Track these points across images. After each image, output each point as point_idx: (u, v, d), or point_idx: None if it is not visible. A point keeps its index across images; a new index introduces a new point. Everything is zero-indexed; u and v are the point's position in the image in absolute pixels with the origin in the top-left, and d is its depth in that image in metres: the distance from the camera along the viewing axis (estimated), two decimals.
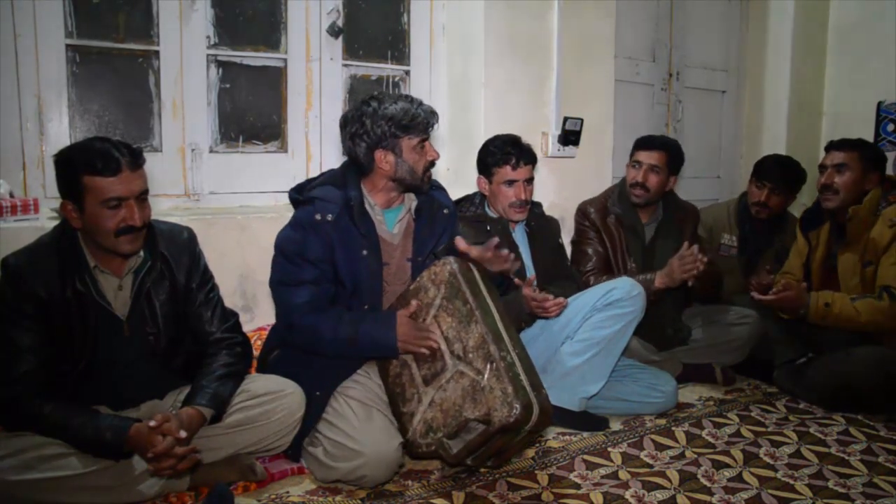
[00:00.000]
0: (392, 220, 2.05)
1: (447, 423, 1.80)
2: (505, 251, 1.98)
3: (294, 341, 1.97)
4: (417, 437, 1.86)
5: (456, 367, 1.82)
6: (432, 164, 2.02)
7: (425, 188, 2.05)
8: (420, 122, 1.95)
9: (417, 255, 2.05)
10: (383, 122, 1.92)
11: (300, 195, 2.00)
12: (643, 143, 2.75)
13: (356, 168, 2.01)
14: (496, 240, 1.98)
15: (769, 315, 2.67)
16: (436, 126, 2.01)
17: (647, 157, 2.69)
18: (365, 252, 1.95)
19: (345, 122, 1.99)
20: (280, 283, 1.96)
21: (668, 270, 2.47)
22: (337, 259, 1.92)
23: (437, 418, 1.83)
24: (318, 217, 1.91)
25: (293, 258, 1.92)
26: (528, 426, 1.74)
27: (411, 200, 2.09)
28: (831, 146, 2.63)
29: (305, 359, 1.94)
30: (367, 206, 2.00)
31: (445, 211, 2.12)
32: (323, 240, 1.91)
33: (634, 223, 2.74)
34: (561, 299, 2.20)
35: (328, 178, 2.03)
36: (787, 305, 2.48)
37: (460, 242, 1.94)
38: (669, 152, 2.70)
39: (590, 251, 2.73)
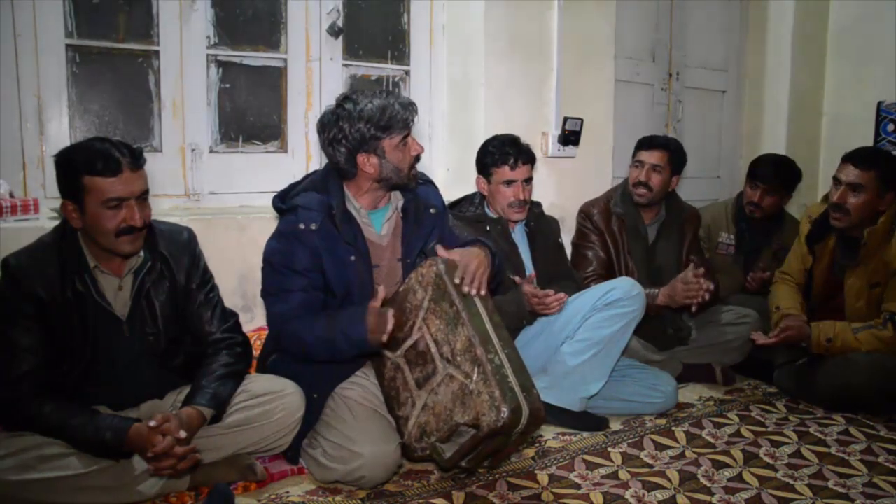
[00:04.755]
0: (379, 221, 2.02)
1: (440, 428, 1.78)
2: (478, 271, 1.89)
3: (286, 349, 1.96)
4: (413, 441, 1.85)
5: (446, 371, 1.79)
6: (417, 158, 1.97)
7: (412, 185, 2.00)
8: (399, 119, 1.88)
9: (407, 256, 2.02)
10: (361, 125, 1.86)
11: (283, 204, 1.97)
12: (645, 143, 2.76)
13: (338, 171, 1.96)
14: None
15: (768, 315, 2.67)
16: (416, 119, 1.95)
17: (649, 157, 2.70)
18: (353, 258, 1.91)
19: (322, 127, 1.92)
20: (268, 294, 1.95)
21: (671, 291, 2.45)
22: (325, 267, 1.89)
23: (431, 423, 1.81)
24: (301, 227, 1.87)
25: (281, 269, 1.90)
26: (518, 429, 1.72)
27: (398, 199, 2.05)
28: (848, 159, 2.44)
29: (303, 362, 1.93)
30: (351, 209, 1.96)
31: (432, 211, 2.06)
32: (309, 249, 1.88)
33: (637, 223, 2.73)
34: (561, 294, 2.19)
35: (310, 183, 1.99)
36: (789, 343, 2.46)
37: (440, 249, 1.90)
38: (671, 151, 2.71)
39: (590, 255, 2.72)
